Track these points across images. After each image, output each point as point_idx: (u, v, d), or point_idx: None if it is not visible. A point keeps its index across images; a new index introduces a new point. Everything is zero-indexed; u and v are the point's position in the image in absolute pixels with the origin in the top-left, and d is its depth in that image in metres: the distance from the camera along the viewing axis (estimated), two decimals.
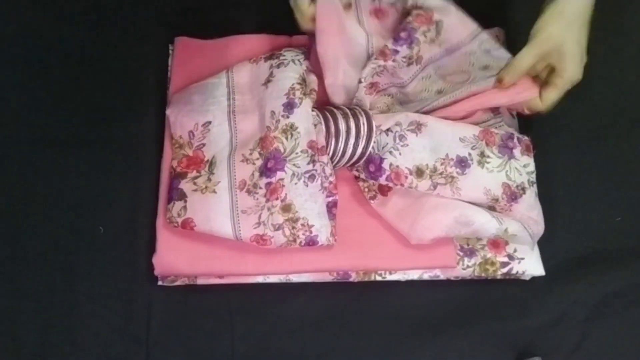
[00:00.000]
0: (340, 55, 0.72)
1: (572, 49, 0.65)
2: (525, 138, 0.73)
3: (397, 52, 0.72)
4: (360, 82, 0.72)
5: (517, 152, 0.72)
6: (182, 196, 0.70)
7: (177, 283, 0.72)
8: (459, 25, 0.74)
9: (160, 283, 0.71)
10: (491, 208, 0.70)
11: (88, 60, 0.81)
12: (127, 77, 0.80)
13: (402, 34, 0.72)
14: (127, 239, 0.73)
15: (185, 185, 0.71)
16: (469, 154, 0.71)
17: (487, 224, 0.68)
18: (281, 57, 0.74)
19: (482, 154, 0.71)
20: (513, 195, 0.70)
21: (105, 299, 0.70)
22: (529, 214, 0.70)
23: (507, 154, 0.71)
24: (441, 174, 0.70)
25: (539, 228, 0.71)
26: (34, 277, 0.70)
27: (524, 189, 0.71)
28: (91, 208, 0.74)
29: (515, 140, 0.72)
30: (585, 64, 0.66)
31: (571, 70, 0.66)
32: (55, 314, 0.69)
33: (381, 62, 0.72)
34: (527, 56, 0.67)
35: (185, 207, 0.69)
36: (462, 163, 0.70)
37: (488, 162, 0.71)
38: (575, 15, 0.65)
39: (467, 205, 0.69)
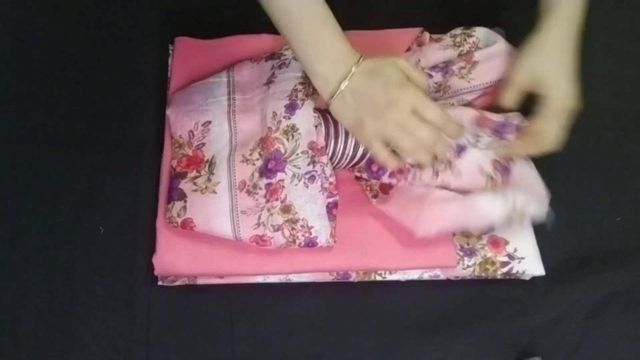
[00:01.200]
0: None
1: (554, 81, 0.67)
2: (525, 124, 0.72)
3: (431, 76, 0.73)
4: None
5: (510, 136, 0.72)
6: (182, 196, 0.70)
7: (177, 283, 0.72)
8: (491, 70, 0.75)
9: (160, 283, 0.71)
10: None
11: (88, 61, 0.81)
12: (127, 77, 0.80)
13: (441, 64, 0.74)
14: (127, 239, 0.73)
15: (185, 185, 0.71)
16: (467, 138, 0.72)
17: (492, 202, 0.66)
18: (282, 57, 0.74)
19: (476, 136, 0.72)
20: (504, 168, 0.71)
21: (105, 299, 0.70)
22: (526, 179, 0.70)
23: (498, 135, 0.72)
24: (440, 160, 0.71)
25: (540, 192, 0.70)
26: (34, 277, 0.70)
27: (512, 159, 0.72)
28: (91, 208, 0.74)
29: (513, 127, 0.72)
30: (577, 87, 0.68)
31: (558, 99, 0.67)
32: (55, 314, 0.69)
33: None
34: (509, 92, 0.70)
35: (185, 207, 0.69)
36: (462, 148, 0.72)
37: (479, 142, 0.72)
38: (554, 47, 0.67)
39: (470, 194, 0.69)
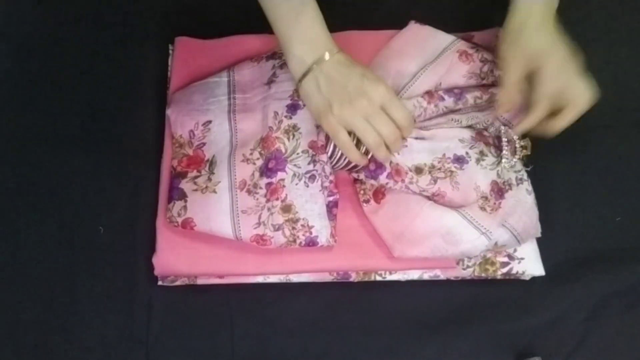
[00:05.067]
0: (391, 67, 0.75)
1: (550, 50, 0.67)
2: (514, 139, 0.73)
3: (443, 99, 0.72)
4: None
5: (506, 152, 0.72)
6: (183, 196, 0.70)
7: (177, 283, 0.72)
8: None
9: (160, 283, 0.71)
10: (482, 209, 0.70)
11: (88, 60, 0.81)
12: (127, 77, 0.80)
13: (456, 90, 0.73)
14: (127, 239, 0.73)
15: (185, 185, 0.71)
16: (467, 153, 0.71)
17: (476, 241, 0.68)
18: (283, 57, 0.74)
19: (481, 153, 0.72)
20: (500, 191, 0.71)
21: (105, 299, 0.70)
22: (519, 210, 0.70)
23: (498, 154, 0.73)
24: (439, 169, 0.71)
25: (530, 228, 0.71)
26: (34, 277, 0.70)
27: (510, 185, 0.71)
28: (91, 208, 0.74)
29: (504, 142, 0.72)
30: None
31: (553, 69, 0.67)
32: (55, 314, 0.69)
33: (424, 104, 0.72)
34: (513, 72, 0.68)
35: (185, 207, 0.69)
36: (460, 160, 0.71)
37: (484, 160, 0.72)
38: (539, 19, 0.67)
39: (458, 222, 0.68)
